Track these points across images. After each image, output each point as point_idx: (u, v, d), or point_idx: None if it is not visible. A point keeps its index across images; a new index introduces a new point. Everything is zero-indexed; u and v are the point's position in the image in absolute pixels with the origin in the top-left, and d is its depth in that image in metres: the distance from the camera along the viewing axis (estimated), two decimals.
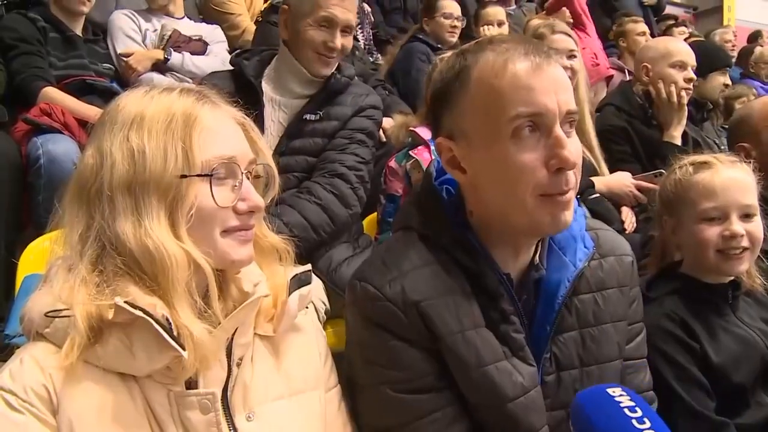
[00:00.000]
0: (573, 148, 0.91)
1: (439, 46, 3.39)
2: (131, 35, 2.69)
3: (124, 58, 2.59)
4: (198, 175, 0.84)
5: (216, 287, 0.86)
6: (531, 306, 1.02)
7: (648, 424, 0.77)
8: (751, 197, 1.32)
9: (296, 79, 1.82)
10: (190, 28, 2.87)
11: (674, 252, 1.44)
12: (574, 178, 0.93)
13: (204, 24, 2.98)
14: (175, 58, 2.66)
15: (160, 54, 2.62)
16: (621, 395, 0.82)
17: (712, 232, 1.30)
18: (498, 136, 0.91)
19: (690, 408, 1.21)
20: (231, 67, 1.89)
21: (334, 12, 1.76)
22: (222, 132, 0.89)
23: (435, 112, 1.02)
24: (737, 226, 1.29)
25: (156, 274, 0.81)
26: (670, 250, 1.45)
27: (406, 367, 0.95)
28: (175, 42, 2.69)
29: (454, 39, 3.47)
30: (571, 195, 0.93)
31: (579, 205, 1.10)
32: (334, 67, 1.84)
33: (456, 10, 3.51)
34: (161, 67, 2.62)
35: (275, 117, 1.82)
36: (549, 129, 0.90)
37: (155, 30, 2.75)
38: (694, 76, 2.41)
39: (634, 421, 0.78)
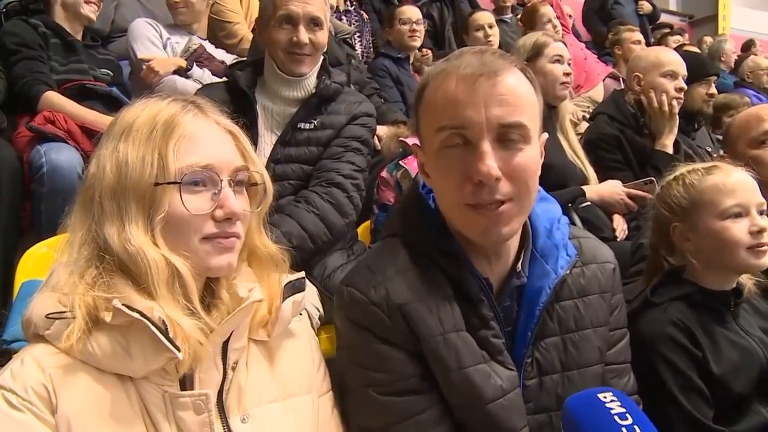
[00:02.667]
0: (505, 163, 0.92)
1: (399, 56, 3.45)
2: (154, 41, 2.70)
3: (145, 62, 2.57)
4: (170, 183, 0.87)
5: (197, 289, 0.89)
6: (514, 312, 1.04)
7: None
8: (761, 196, 1.34)
9: (280, 83, 1.84)
10: (211, 50, 2.87)
11: (663, 261, 1.45)
12: (508, 189, 0.93)
13: (224, 53, 2.97)
14: (196, 71, 2.64)
15: (183, 63, 2.61)
16: (612, 401, 0.82)
17: (739, 228, 1.31)
18: (432, 147, 0.97)
19: (689, 416, 1.22)
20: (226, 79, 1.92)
21: (291, 8, 1.77)
22: (201, 140, 0.91)
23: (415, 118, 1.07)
24: (761, 220, 1.31)
25: (140, 275, 0.84)
26: (661, 259, 1.45)
27: (390, 370, 0.98)
28: (199, 57, 2.68)
29: (417, 43, 3.54)
30: (506, 208, 0.94)
31: (564, 214, 1.13)
32: (313, 65, 1.85)
33: (414, 14, 3.56)
34: (182, 74, 2.60)
35: (269, 125, 1.83)
36: (474, 142, 0.93)
37: (177, 42, 2.75)
38: (685, 86, 2.44)
39: (624, 429, 0.77)
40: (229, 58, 2.90)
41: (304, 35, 1.78)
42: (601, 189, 2.28)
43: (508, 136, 0.93)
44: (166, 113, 0.90)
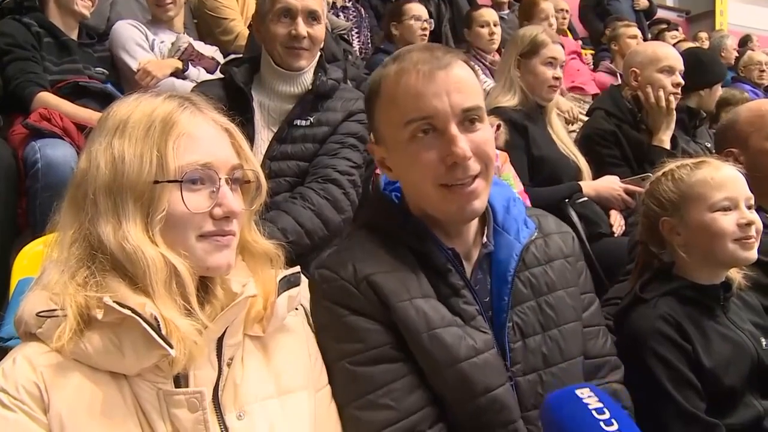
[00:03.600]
0: (472, 143, 1.02)
1: None
2: (141, 44, 2.68)
3: (140, 65, 2.54)
4: (170, 181, 0.87)
5: (194, 288, 0.88)
6: (488, 283, 1.10)
7: (616, 426, 0.79)
8: (748, 190, 1.36)
9: (276, 78, 1.84)
10: (197, 46, 2.84)
11: (653, 257, 1.45)
12: (477, 166, 1.03)
13: (203, 45, 2.94)
14: (192, 71, 2.64)
15: (179, 63, 2.60)
16: (590, 396, 0.84)
17: (728, 221, 1.32)
18: (400, 139, 1.04)
19: (682, 409, 1.23)
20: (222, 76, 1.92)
21: (290, 0, 1.78)
22: (199, 138, 0.91)
23: (367, 118, 1.14)
24: (749, 213, 1.33)
25: (137, 274, 0.84)
26: (651, 255, 1.46)
27: (362, 339, 1.02)
28: (190, 55, 2.67)
29: (424, 42, 3.50)
30: (477, 184, 1.04)
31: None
32: (311, 59, 1.85)
33: (424, 12, 3.56)
34: (179, 76, 2.60)
35: (265, 122, 1.83)
36: (443, 128, 1.02)
37: (162, 42, 2.73)
38: (682, 81, 2.43)
39: (602, 423, 0.79)
40: (211, 50, 2.88)
41: (302, 28, 1.79)
42: (598, 185, 2.29)
43: (469, 119, 1.03)
44: (162, 110, 0.90)
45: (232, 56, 2.77)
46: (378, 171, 2.12)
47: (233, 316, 0.91)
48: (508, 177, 2.01)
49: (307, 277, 1.46)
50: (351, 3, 3.94)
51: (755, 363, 1.31)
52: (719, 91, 3.09)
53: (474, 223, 1.12)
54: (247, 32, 3.04)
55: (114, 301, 0.80)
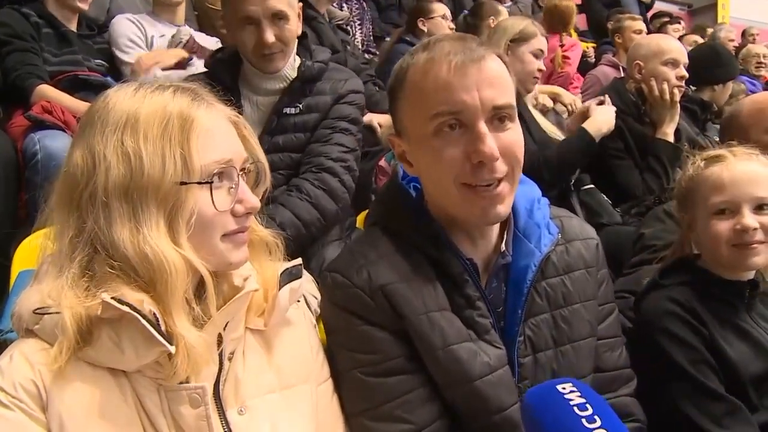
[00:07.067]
0: (501, 142, 0.96)
1: None
2: (136, 41, 2.62)
3: (136, 58, 2.48)
4: (200, 183, 0.83)
5: (214, 293, 0.86)
6: (502, 293, 1.06)
7: (598, 423, 0.74)
8: (765, 189, 1.27)
9: (259, 77, 1.78)
10: (199, 38, 2.79)
11: (688, 248, 1.41)
12: (504, 168, 0.97)
13: (205, 36, 2.90)
14: (196, 62, 2.56)
15: (185, 54, 2.54)
16: (571, 391, 0.79)
17: (724, 226, 1.27)
18: (424, 133, 0.99)
19: (702, 387, 1.18)
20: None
21: (250, 8, 1.67)
22: (218, 134, 0.88)
23: (390, 109, 1.08)
24: (749, 219, 1.25)
25: (154, 281, 0.80)
26: (685, 246, 1.42)
27: (376, 350, 0.99)
28: (191, 48, 2.62)
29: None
30: (502, 187, 0.98)
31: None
32: (286, 58, 1.77)
33: (448, 12, 3.67)
34: (183, 66, 2.51)
35: (254, 116, 1.77)
36: (470, 125, 0.96)
37: (162, 35, 2.68)
38: (686, 74, 2.42)
39: (583, 420, 0.75)
40: (213, 41, 2.82)
41: (269, 35, 1.69)
42: (602, 121, 2.28)
43: (499, 117, 0.97)
44: (176, 106, 0.85)
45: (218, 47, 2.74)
46: (382, 163, 2.16)
47: (234, 311, 0.89)
48: None
49: (310, 275, 1.44)
50: None
51: None
52: (730, 87, 3.10)
53: (496, 227, 1.08)
54: None
55: (112, 297, 0.77)
